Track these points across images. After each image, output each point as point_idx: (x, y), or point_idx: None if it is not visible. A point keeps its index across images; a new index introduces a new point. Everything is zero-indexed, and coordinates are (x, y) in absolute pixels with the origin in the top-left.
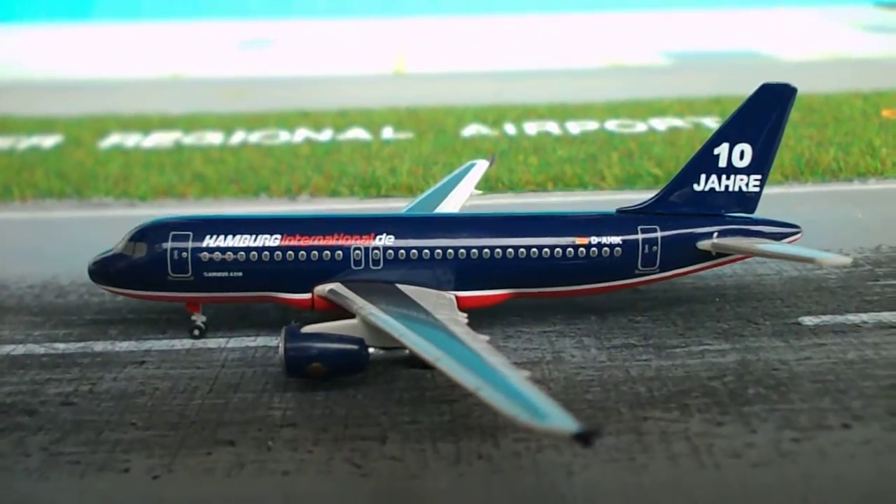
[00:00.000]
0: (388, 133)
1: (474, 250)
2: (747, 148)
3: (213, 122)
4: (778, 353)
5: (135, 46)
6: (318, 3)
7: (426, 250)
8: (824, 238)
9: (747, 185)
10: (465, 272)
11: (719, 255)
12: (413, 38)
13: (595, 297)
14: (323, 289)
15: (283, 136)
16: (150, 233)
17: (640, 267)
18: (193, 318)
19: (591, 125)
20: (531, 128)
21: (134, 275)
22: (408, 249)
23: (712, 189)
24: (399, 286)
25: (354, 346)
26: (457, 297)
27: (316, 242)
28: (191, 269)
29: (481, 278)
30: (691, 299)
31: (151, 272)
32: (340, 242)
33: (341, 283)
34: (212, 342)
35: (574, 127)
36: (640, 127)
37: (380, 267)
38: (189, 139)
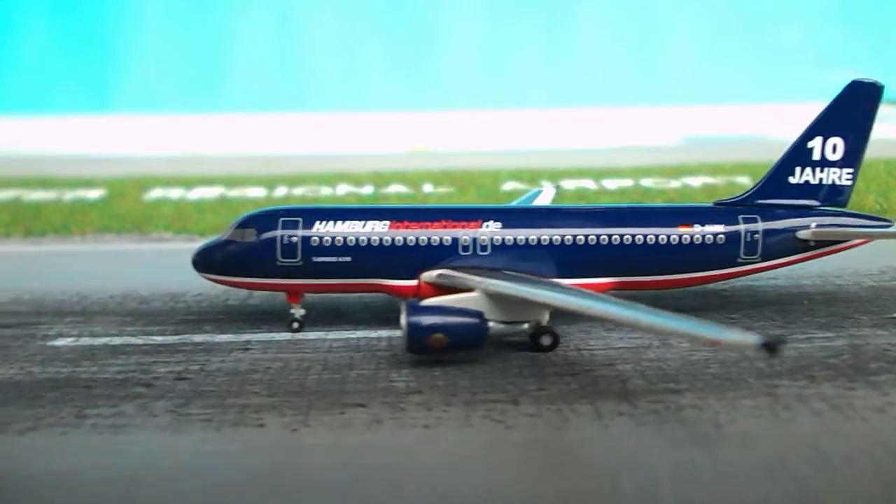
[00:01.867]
0: (428, 188)
1: (580, 237)
2: (839, 142)
3: (252, 180)
4: (885, 339)
5: (153, 132)
6: (328, 97)
7: (532, 237)
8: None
9: (840, 177)
10: (569, 260)
11: (817, 245)
12: (430, 126)
13: (683, 300)
14: (430, 275)
15: (326, 191)
16: (260, 219)
17: (742, 256)
18: (293, 310)
19: (626, 182)
20: (568, 184)
21: (241, 261)
22: (515, 237)
23: (807, 182)
24: (505, 272)
25: (475, 319)
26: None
27: (424, 229)
28: (300, 255)
29: (585, 266)
30: (779, 301)
31: (260, 258)
32: (449, 229)
33: (448, 268)
34: (311, 334)
35: (610, 184)
36: (674, 184)
37: (487, 253)
38: (233, 193)
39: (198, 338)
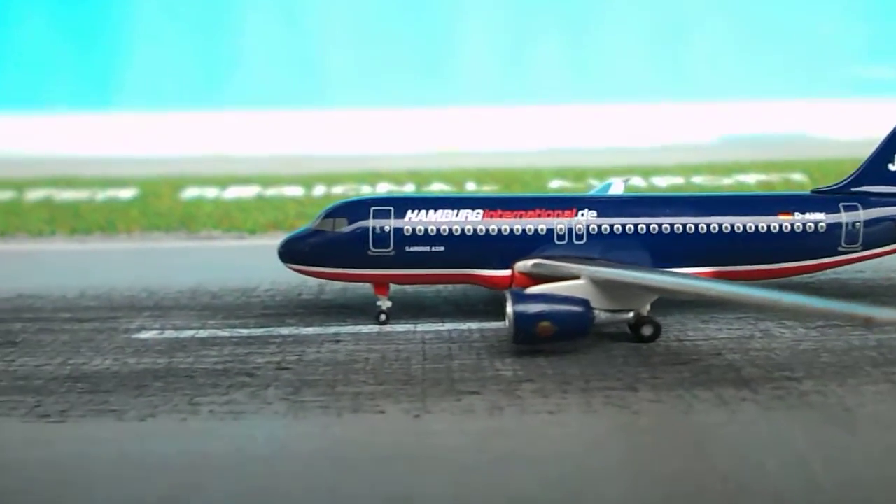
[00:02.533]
0: (471, 186)
1: (677, 226)
2: None
3: (287, 180)
4: None
5: (162, 130)
6: (341, 93)
7: (629, 226)
8: None
9: None
10: (666, 249)
11: None
12: (454, 124)
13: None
14: (525, 264)
15: (366, 189)
16: (350, 209)
17: (843, 245)
18: (379, 303)
19: (677, 179)
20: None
21: (331, 252)
22: (611, 225)
23: None
24: (602, 261)
25: (581, 308)
26: None
27: (518, 218)
28: (392, 244)
29: (682, 255)
30: (872, 293)
31: (350, 247)
32: (543, 218)
33: (544, 258)
34: (399, 327)
35: (660, 181)
36: (727, 181)
37: (583, 242)
38: (270, 192)
39: (284, 330)
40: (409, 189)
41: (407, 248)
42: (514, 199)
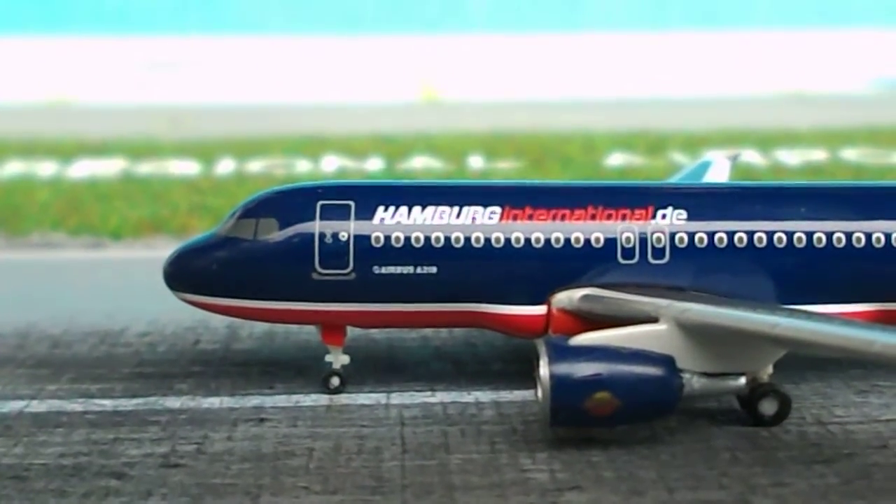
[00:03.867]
0: (476, 162)
1: (820, 236)
2: None
3: (167, 148)
4: None
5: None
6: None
7: (741, 235)
8: None
9: None
10: (801, 273)
11: None
12: (444, 58)
13: None
14: (570, 296)
15: (303, 166)
16: (282, 203)
17: None
18: (330, 357)
19: (816, 154)
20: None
21: (249, 273)
22: (710, 234)
23: None
24: (697, 294)
25: (661, 370)
26: None
27: (559, 221)
28: (352, 262)
29: (833, 285)
30: None
31: (283, 267)
32: (600, 221)
33: (599, 287)
34: (362, 398)
35: (788, 157)
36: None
37: (664, 260)
38: (144, 168)
39: (173, 402)
40: (373, 166)
41: (376, 269)
42: (552, 190)
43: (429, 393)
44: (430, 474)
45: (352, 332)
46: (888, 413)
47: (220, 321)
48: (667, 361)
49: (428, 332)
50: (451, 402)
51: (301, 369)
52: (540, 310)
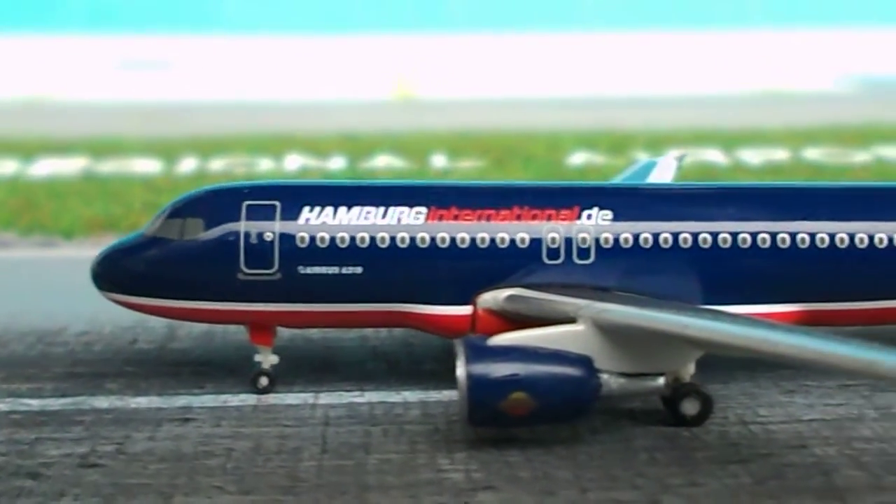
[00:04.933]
0: (440, 161)
1: (745, 236)
2: None
3: (133, 146)
4: None
5: None
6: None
7: (666, 236)
8: None
9: None
10: (727, 274)
11: None
12: (422, 58)
13: None
14: (495, 297)
15: (265, 166)
16: (208, 203)
17: None
18: (259, 357)
19: (778, 154)
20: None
21: (176, 274)
22: (636, 235)
23: None
24: (620, 294)
25: (578, 370)
26: None
27: (485, 221)
28: (277, 262)
29: (758, 285)
30: None
31: (209, 267)
32: (526, 222)
33: (523, 287)
34: (291, 398)
35: (751, 156)
36: (862, 156)
37: (590, 261)
38: (106, 167)
39: (100, 402)
40: (336, 165)
41: (301, 269)
42: (478, 190)
43: (357, 393)
44: (346, 474)
45: (288, 332)
46: (811, 413)
47: (158, 321)
48: (584, 362)
49: (367, 331)
50: (378, 402)
51: (233, 369)
52: (466, 310)
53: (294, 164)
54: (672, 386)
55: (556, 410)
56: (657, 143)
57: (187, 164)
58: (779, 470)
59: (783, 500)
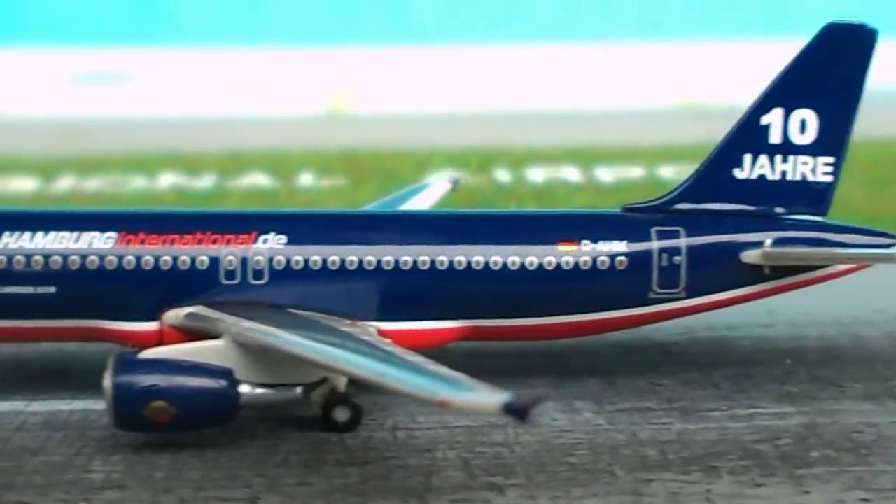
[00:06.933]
0: (306, 180)
1: (406, 259)
2: (810, 116)
3: (20, 164)
4: (865, 416)
5: None
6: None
7: (334, 258)
8: None
9: (814, 170)
10: (395, 294)
11: (775, 274)
12: (364, 72)
13: (594, 348)
14: (178, 314)
15: (138, 183)
16: None
17: (656, 289)
18: None
19: (635, 171)
20: (536, 174)
21: None
22: (307, 258)
23: (762, 176)
24: (293, 312)
25: (219, 381)
26: (381, 332)
27: (168, 246)
28: None
29: (421, 304)
30: (749, 361)
31: None
32: (206, 246)
33: (205, 305)
34: (2, 405)
35: (606, 174)
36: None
37: (263, 281)
38: None
39: None
40: (205, 183)
41: None
42: (165, 217)
43: (68, 401)
44: (2, 475)
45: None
46: (463, 420)
47: None
48: (225, 374)
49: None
50: (83, 410)
51: None
52: (153, 326)
53: (166, 183)
54: (327, 396)
55: (196, 418)
56: (526, 160)
57: (63, 182)
58: (391, 471)
59: (369, 497)
